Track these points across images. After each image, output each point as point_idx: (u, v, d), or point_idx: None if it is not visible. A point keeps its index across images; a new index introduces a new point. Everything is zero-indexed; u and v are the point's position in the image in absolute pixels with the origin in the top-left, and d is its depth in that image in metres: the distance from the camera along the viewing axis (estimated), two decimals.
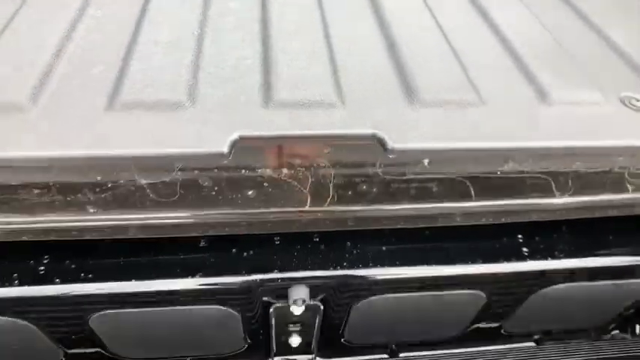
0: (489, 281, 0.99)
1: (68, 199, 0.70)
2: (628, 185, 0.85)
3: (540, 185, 0.82)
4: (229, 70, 0.85)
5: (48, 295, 0.85)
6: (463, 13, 1.13)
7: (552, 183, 0.83)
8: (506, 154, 0.75)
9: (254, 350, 1.13)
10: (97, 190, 0.71)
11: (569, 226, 1.03)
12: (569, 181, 0.84)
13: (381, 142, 0.73)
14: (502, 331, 1.20)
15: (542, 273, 0.99)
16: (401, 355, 1.19)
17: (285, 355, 1.12)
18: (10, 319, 0.89)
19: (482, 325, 1.16)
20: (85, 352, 1.06)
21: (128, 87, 0.79)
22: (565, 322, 1.23)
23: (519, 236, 1.00)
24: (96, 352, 1.07)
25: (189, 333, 1.02)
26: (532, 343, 1.24)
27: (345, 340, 1.15)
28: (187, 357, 1.11)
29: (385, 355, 1.19)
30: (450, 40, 0.98)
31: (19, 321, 0.89)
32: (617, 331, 1.26)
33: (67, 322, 0.95)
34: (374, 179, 0.76)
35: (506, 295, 1.05)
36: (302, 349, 1.12)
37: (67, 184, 0.71)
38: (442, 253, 0.96)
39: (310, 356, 1.13)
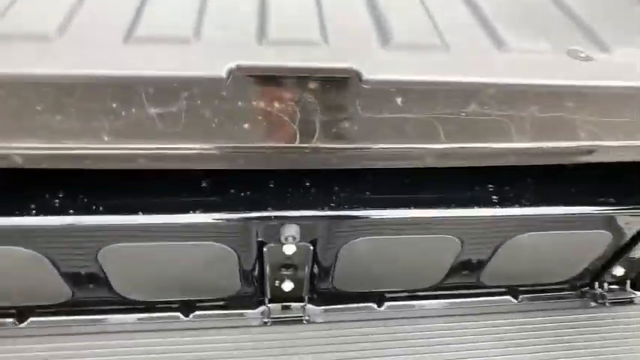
0: (462, 225, 1.09)
1: (85, 125, 0.79)
2: (581, 132, 0.93)
3: (501, 129, 0.90)
4: (231, 17, 0.95)
5: (62, 225, 0.94)
6: None
7: (512, 126, 0.94)
8: (467, 92, 0.84)
9: (249, 296, 1.22)
10: (112, 117, 0.79)
11: (535, 177, 1.14)
12: (527, 126, 0.95)
13: (357, 75, 0.82)
14: (479, 283, 1.30)
15: (511, 220, 1.09)
16: (386, 304, 1.28)
17: (278, 302, 1.20)
18: (26, 249, 0.98)
19: (460, 275, 1.25)
20: (91, 296, 1.16)
21: (143, 25, 0.89)
22: (536, 273, 1.32)
23: (490, 186, 1.11)
24: (100, 298, 1.17)
25: (188, 271, 1.10)
26: (509, 297, 1.33)
27: (333, 287, 1.24)
28: (186, 299, 1.21)
29: (373, 304, 1.28)
30: (423, 1, 1.10)
31: (35, 253, 0.99)
32: (587, 288, 1.36)
33: (77, 255, 1.03)
34: (354, 116, 0.85)
35: (479, 242, 1.15)
36: (294, 295, 1.20)
37: (85, 110, 0.79)
38: (419, 199, 1.06)
39: (302, 304, 1.20)
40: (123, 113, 0.79)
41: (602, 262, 1.32)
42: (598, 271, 1.33)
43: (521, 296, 1.36)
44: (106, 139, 0.80)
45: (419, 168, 0.95)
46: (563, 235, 1.15)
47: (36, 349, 1.13)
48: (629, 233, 1.20)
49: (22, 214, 0.94)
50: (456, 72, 0.86)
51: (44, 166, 0.84)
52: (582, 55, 0.95)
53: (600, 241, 1.21)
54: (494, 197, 1.08)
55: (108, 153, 0.82)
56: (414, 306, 1.28)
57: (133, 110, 0.78)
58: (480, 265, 1.23)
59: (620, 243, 1.23)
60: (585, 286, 1.38)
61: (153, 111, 0.79)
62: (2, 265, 1.05)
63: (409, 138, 0.89)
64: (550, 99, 0.90)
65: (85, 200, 0.97)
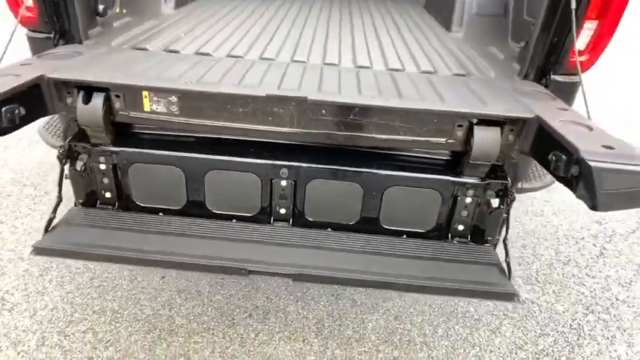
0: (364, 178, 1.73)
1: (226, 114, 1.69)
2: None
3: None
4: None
5: (191, 157, 1.76)
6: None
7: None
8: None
9: (262, 216, 1.86)
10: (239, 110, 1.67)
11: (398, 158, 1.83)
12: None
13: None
14: (382, 225, 1.82)
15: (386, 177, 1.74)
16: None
17: (277, 221, 1.86)
18: (177, 168, 1.78)
19: (368, 216, 1.82)
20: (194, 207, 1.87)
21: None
22: (407, 220, 1.84)
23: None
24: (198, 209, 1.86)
25: (235, 192, 1.83)
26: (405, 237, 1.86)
27: (306, 216, 1.85)
28: (230, 213, 1.85)
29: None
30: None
31: (180, 170, 1.78)
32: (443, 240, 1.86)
33: (196, 174, 1.78)
34: None
35: (370, 192, 1.77)
36: (286, 217, 1.84)
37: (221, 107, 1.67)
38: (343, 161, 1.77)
39: (288, 223, 1.86)
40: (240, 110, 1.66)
41: (445, 218, 1.82)
42: (446, 226, 1.84)
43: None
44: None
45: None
46: (413, 190, 1.77)
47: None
48: (448, 194, 1.75)
49: (178, 150, 1.79)
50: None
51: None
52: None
53: (435, 198, 1.78)
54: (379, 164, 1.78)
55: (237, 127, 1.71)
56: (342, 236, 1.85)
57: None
58: (375, 208, 1.80)
59: (446, 202, 1.77)
60: (442, 238, 1.87)
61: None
62: (159, 178, 1.81)
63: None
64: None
65: (203, 148, 1.79)
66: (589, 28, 1.86)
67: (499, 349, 2.36)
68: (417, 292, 1.71)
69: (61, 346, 2.21)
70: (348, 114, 1.64)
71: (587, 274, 2.94)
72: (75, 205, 1.88)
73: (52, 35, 2.01)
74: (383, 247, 1.76)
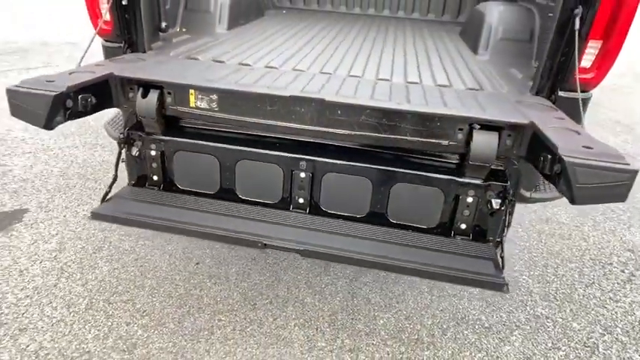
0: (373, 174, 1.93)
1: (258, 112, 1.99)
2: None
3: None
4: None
5: (223, 147, 2.04)
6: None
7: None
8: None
9: (283, 204, 2.07)
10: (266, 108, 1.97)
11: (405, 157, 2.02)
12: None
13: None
14: (389, 219, 1.98)
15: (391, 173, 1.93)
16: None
17: (296, 209, 2.08)
18: (214, 156, 2.06)
19: (376, 210, 1.99)
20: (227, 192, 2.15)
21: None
22: (412, 216, 1.98)
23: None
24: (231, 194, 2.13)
25: (260, 181, 2.07)
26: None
27: (322, 206, 2.05)
28: (252, 199, 2.09)
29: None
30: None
31: (215, 159, 2.06)
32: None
33: (228, 163, 2.07)
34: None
35: (378, 187, 1.95)
36: (303, 207, 2.05)
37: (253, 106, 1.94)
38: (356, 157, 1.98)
39: (305, 211, 2.07)
40: (268, 108, 1.95)
41: (448, 216, 1.94)
42: (449, 224, 1.96)
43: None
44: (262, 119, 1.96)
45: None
46: (418, 188, 1.93)
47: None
48: (451, 193, 1.89)
49: (214, 142, 2.07)
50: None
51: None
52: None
53: (439, 196, 1.93)
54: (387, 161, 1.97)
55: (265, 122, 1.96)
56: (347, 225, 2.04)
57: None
58: (384, 203, 1.97)
59: (449, 201, 1.90)
60: (446, 235, 1.99)
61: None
62: (197, 165, 2.09)
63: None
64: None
65: (236, 141, 2.07)
66: (594, 47, 2.00)
67: (506, 356, 2.43)
68: (412, 275, 1.87)
69: (105, 311, 2.54)
70: (360, 115, 1.87)
71: (610, 298, 2.93)
72: (127, 185, 2.22)
73: (122, 45, 2.41)
74: (386, 236, 1.94)
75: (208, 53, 2.55)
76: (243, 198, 2.14)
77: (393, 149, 2.00)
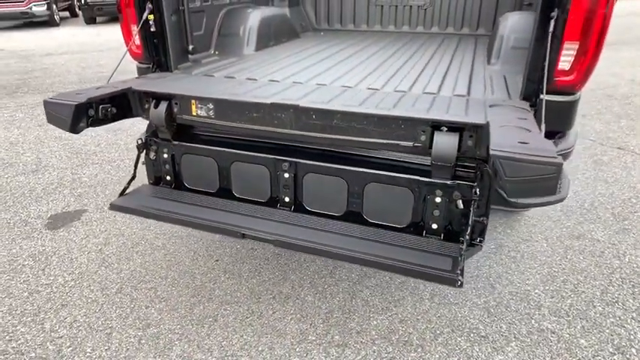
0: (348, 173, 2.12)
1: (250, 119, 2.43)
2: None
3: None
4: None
5: (221, 151, 2.37)
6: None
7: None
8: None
9: (271, 202, 2.29)
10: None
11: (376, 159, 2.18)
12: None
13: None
14: (365, 217, 2.12)
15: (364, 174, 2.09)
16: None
17: (282, 207, 2.29)
18: (211, 159, 2.38)
19: (353, 209, 2.15)
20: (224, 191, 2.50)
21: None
22: (384, 216, 2.10)
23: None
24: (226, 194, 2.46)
25: (249, 179, 2.33)
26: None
27: (305, 205, 2.23)
28: (245, 198, 2.35)
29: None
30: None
31: (213, 161, 2.39)
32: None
33: (225, 164, 2.42)
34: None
35: (353, 187, 2.12)
36: (288, 205, 2.26)
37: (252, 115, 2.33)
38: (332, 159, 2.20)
39: (289, 209, 2.27)
40: (254, 115, 2.24)
41: (419, 216, 2.02)
42: (420, 223, 2.02)
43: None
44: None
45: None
46: (389, 187, 2.04)
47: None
48: (419, 193, 1.96)
49: (212, 145, 2.44)
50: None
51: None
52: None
53: (409, 196, 2.02)
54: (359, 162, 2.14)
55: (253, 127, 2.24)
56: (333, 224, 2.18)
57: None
58: (360, 201, 2.11)
59: (418, 201, 1.98)
60: (418, 234, 2.04)
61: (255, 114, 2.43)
62: (200, 167, 2.37)
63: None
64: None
65: (230, 145, 2.48)
66: (571, 49, 2.02)
67: None
68: (371, 267, 1.99)
69: (131, 295, 2.91)
70: (332, 119, 2.06)
71: (632, 318, 2.75)
72: (145, 184, 2.59)
73: (150, 65, 2.84)
74: (358, 232, 2.09)
75: (225, 71, 2.89)
76: (239, 196, 2.40)
77: (368, 151, 2.14)
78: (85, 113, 2.18)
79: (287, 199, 2.30)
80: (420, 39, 4.31)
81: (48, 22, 16.89)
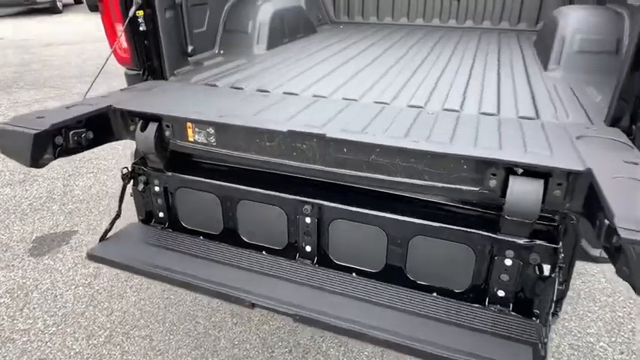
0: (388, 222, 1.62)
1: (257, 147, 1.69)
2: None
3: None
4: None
5: (225, 186, 1.84)
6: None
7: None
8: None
9: (289, 251, 1.84)
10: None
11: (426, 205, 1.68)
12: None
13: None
14: (407, 275, 1.65)
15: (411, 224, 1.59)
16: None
17: (303, 258, 1.82)
18: (210, 193, 1.87)
19: (393, 265, 1.67)
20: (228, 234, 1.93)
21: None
22: (439, 276, 1.63)
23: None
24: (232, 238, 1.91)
25: (261, 222, 1.85)
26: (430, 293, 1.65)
27: (331, 257, 1.77)
28: (259, 244, 1.87)
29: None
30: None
31: (215, 197, 1.88)
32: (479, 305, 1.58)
33: (230, 203, 1.87)
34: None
35: (394, 239, 1.64)
36: (310, 256, 1.81)
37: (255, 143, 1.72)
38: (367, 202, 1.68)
39: (311, 261, 1.82)
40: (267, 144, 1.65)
41: (481, 280, 1.57)
42: (483, 289, 1.57)
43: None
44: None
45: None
46: (442, 242, 1.56)
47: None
48: (484, 252, 1.51)
49: (214, 179, 1.87)
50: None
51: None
52: None
53: (469, 255, 1.55)
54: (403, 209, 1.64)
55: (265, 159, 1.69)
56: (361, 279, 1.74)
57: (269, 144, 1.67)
58: (401, 255, 1.65)
59: (482, 262, 1.53)
60: (479, 302, 1.58)
61: (268, 144, 1.89)
62: (200, 203, 1.91)
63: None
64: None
65: (236, 179, 1.84)
66: None
67: None
68: (422, 359, 1.49)
69: (122, 346, 2.45)
70: (370, 154, 1.54)
71: None
72: (133, 222, 2.10)
73: (141, 72, 2.32)
74: (404, 302, 1.58)
75: (231, 78, 2.37)
76: (248, 242, 1.90)
77: (413, 194, 1.62)
78: (50, 142, 1.69)
79: (309, 249, 1.80)
80: (454, 35, 3.73)
81: (51, 9, 16.39)
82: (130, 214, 2.11)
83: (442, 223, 1.57)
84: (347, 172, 1.60)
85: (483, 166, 1.41)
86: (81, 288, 2.88)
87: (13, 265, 3.11)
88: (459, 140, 1.50)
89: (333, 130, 1.59)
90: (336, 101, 1.96)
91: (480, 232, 1.51)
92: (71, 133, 1.71)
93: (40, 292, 2.85)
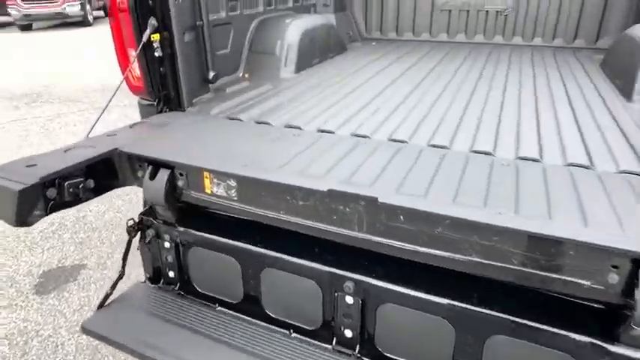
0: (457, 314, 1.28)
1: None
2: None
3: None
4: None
5: (245, 248, 1.54)
6: None
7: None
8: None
9: (323, 333, 1.50)
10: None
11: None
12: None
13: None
14: None
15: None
16: None
17: (341, 344, 1.46)
18: (228, 256, 1.56)
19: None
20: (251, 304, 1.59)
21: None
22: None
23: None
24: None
25: (289, 295, 1.52)
26: None
27: (378, 347, 1.43)
28: (282, 320, 1.54)
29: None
30: None
31: (231, 258, 1.56)
32: None
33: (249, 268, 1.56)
34: None
35: (465, 335, 1.29)
36: (351, 343, 1.46)
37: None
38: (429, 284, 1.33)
39: (352, 350, 1.46)
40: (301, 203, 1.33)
41: None
42: None
43: None
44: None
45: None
46: (532, 347, 1.19)
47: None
48: None
49: (235, 239, 1.58)
50: None
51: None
52: None
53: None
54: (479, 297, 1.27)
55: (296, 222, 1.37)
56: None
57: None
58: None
59: None
60: None
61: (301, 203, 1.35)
62: (216, 266, 1.59)
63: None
64: None
65: (260, 241, 1.54)
66: None
67: None
68: None
69: None
70: (436, 226, 1.16)
71: None
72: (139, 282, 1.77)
73: (155, 102, 2.01)
74: None
75: (256, 109, 2.04)
76: (273, 316, 1.54)
77: (491, 279, 1.23)
78: (41, 196, 1.37)
79: (349, 334, 1.44)
80: (502, 53, 3.33)
81: (81, 22, 16.67)
82: (137, 260, 1.77)
83: (534, 320, 1.19)
84: (402, 245, 1.22)
85: (601, 254, 1.01)
86: (84, 338, 2.56)
87: (16, 305, 2.84)
88: (559, 212, 1.11)
89: (385, 191, 1.22)
90: (381, 144, 1.60)
91: (590, 339, 1.09)
92: (67, 184, 1.40)
93: (41, 339, 2.56)
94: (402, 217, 1.22)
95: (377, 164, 1.42)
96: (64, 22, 17.02)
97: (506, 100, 2.18)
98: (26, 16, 15.41)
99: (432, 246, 1.21)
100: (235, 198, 1.47)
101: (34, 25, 16.65)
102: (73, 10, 15.86)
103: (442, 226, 1.18)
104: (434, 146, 1.63)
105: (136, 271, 2.12)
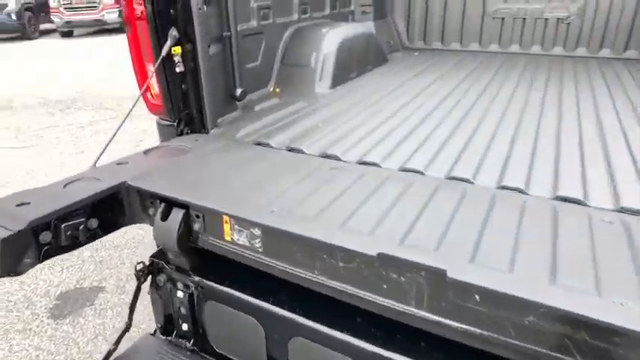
0: None
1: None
2: None
3: None
4: None
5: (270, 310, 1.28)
6: None
7: None
8: None
9: None
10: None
11: None
12: None
13: None
14: None
15: None
16: None
17: None
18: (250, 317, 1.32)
19: None
20: None
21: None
22: None
23: None
24: None
25: None
26: None
27: None
28: None
29: None
30: None
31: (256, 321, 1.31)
32: None
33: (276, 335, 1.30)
34: None
35: None
36: None
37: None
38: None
39: None
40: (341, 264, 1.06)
41: None
42: None
43: None
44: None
45: None
46: None
47: None
48: None
49: (258, 298, 1.32)
50: None
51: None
52: None
53: None
54: None
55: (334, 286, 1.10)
56: None
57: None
58: None
59: None
60: None
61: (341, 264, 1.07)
62: (236, 326, 1.36)
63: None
64: None
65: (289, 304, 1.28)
66: None
67: None
68: None
69: None
70: (524, 315, 0.86)
71: None
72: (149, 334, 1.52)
73: (175, 123, 1.77)
74: None
75: (288, 132, 1.77)
76: None
77: None
78: (32, 242, 1.14)
79: None
80: (565, 67, 2.93)
81: (119, 29, 17.04)
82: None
83: None
84: (475, 331, 0.90)
85: None
86: None
87: (30, 330, 2.68)
88: None
89: (455, 259, 0.90)
90: (440, 184, 1.30)
91: None
92: (64, 226, 1.16)
93: None
94: (477, 298, 0.90)
95: (438, 215, 1.11)
96: (102, 29, 17.44)
97: (583, 124, 1.82)
98: (67, 23, 15.95)
99: (516, 337, 0.90)
100: (260, 250, 1.20)
101: (75, 32, 17.15)
102: (112, 17, 16.29)
103: (534, 315, 0.86)
104: (504, 188, 1.30)
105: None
